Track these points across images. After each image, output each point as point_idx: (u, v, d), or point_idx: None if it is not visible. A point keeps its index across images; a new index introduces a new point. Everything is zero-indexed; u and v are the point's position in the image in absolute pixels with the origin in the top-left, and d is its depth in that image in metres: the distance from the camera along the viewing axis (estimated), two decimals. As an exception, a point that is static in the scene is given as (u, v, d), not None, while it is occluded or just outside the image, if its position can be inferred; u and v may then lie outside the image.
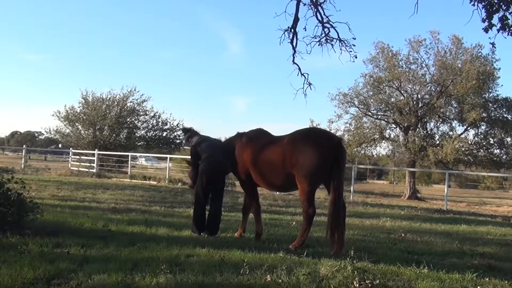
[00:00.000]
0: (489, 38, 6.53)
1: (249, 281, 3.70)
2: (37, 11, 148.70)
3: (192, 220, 6.19)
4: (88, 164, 23.16)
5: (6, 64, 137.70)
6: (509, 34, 6.35)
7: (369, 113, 24.92)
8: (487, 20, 6.35)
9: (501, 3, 6.24)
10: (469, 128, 23.41)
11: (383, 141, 25.34)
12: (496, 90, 23.36)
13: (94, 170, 21.15)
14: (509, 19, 6.30)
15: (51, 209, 7.48)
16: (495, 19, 6.34)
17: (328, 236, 5.26)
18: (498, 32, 6.40)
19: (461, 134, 23.60)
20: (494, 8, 6.27)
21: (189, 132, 6.70)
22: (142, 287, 3.49)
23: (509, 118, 22.88)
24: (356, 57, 7.86)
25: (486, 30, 6.42)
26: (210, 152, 6.07)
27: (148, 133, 29.25)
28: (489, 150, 23.15)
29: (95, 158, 22.14)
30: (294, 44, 7.76)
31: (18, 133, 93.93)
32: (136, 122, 28.81)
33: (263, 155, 5.76)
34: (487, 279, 4.16)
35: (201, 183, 6.01)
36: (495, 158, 22.90)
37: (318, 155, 5.27)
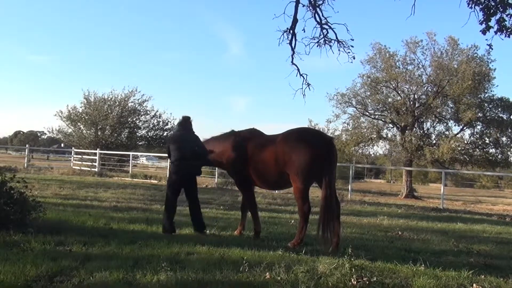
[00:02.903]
0: (486, 40, 6.61)
1: (248, 278, 3.75)
2: (40, 13, 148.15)
3: (163, 221, 6.14)
4: (90, 163, 23.19)
5: (9, 65, 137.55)
6: (506, 36, 6.42)
7: (367, 113, 24.98)
8: (484, 22, 6.42)
9: (498, 6, 6.31)
10: (465, 127, 23.49)
11: (381, 141, 25.40)
12: (491, 90, 23.48)
13: (96, 169, 21.18)
14: (506, 21, 6.37)
15: (54, 208, 7.52)
16: (492, 21, 6.42)
17: (319, 232, 5.29)
18: (495, 34, 6.47)
19: (457, 133, 23.69)
20: (492, 10, 6.34)
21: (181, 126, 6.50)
22: (143, 284, 3.53)
23: (505, 118, 22.99)
24: (354, 58, 7.93)
25: (483, 32, 6.48)
26: (180, 155, 6.04)
27: (149, 133, 29.26)
28: (484, 150, 23.23)
29: (97, 158, 22.13)
30: (293, 45, 7.82)
31: (21, 132, 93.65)
32: (137, 122, 28.83)
33: (256, 154, 5.84)
34: (482, 276, 4.23)
35: (172, 185, 6.13)
36: (490, 158, 22.96)
37: (310, 153, 5.36)
